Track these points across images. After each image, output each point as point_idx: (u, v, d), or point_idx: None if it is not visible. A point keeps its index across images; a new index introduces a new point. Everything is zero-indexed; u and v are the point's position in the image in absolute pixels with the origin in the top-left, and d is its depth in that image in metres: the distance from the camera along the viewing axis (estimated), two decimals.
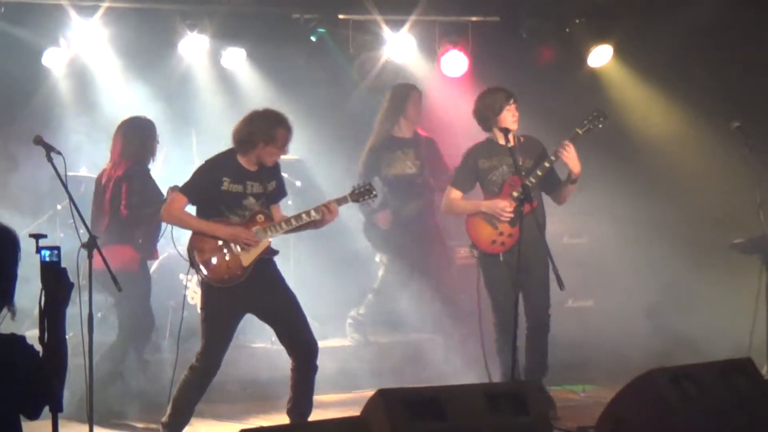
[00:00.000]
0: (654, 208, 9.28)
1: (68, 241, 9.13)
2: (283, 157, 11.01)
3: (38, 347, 4.44)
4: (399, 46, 11.77)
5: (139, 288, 9.12)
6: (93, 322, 7.31)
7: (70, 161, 8.11)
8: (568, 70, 12.12)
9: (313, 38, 11.59)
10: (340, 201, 8.04)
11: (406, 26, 11.62)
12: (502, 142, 8.71)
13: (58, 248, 4.58)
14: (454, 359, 9.91)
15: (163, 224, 8.70)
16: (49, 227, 10.54)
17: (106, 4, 10.56)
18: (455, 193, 9.02)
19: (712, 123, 10.76)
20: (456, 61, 11.93)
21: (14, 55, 10.65)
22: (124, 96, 11.46)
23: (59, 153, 7.54)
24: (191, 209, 7.96)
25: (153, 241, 9.32)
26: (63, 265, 4.57)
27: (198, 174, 7.88)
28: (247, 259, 7.75)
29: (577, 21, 11.83)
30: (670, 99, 11.54)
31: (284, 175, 11.18)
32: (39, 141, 7.58)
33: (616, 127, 9.73)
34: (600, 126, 8.78)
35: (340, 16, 11.60)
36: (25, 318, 8.17)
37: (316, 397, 7.97)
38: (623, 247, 10.96)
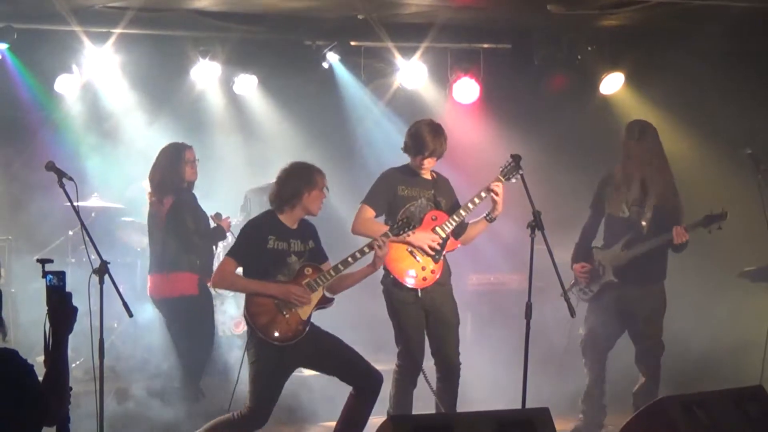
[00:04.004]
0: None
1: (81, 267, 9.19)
2: None
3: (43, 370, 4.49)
4: (411, 73, 11.80)
5: (200, 310, 9.19)
6: (104, 347, 7.31)
7: (82, 187, 8.14)
8: (580, 97, 12.12)
9: (325, 65, 11.62)
10: (384, 236, 7.87)
11: (418, 53, 11.64)
12: (425, 175, 8.46)
13: (63, 273, 4.63)
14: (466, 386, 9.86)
15: (215, 246, 9.38)
16: (61, 252, 10.59)
17: (118, 31, 10.60)
18: (370, 213, 8.45)
19: (723, 149, 10.75)
20: (468, 89, 11.95)
21: (27, 81, 10.70)
22: (136, 122, 11.51)
23: (71, 179, 7.56)
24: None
25: (210, 261, 9.49)
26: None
27: (243, 235, 7.84)
28: (305, 312, 7.67)
29: (589, 48, 11.84)
30: (682, 126, 11.52)
31: None
32: (51, 167, 7.60)
33: None
34: (520, 171, 8.23)
35: (353, 43, 11.63)
36: (34, 346, 8.22)
37: (325, 424, 7.95)
38: None
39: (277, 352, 7.60)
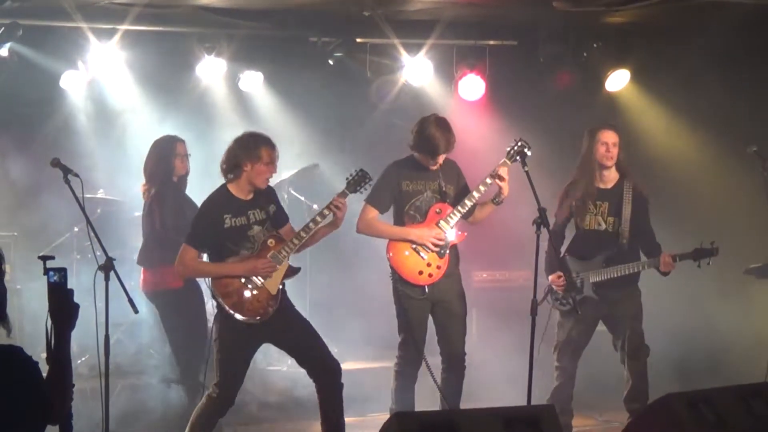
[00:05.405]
0: (669, 231, 9.22)
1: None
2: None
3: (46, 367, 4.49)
4: (416, 70, 11.79)
5: (187, 302, 9.15)
6: (109, 344, 7.32)
7: (88, 183, 8.13)
8: (586, 94, 12.12)
9: (330, 62, 11.60)
10: (341, 195, 7.89)
11: (424, 50, 11.63)
12: (429, 166, 8.35)
13: (64, 269, 4.62)
14: (472, 383, 9.85)
15: None
16: (66, 249, 10.58)
17: (123, 27, 10.60)
18: (373, 212, 8.43)
19: (729, 146, 10.74)
20: (473, 85, 11.94)
21: (33, 77, 10.70)
22: (141, 118, 11.51)
23: (76, 175, 7.58)
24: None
25: None
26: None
27: (198, 220, 7.79)
28: (274, 286, 7.69)
29: (595, 45, 11.83)
30: (687, 123, 11.53)
31: (301, 198, 11.30)
32: (56, 163, 7.62)
33: (632, 151, 9.67)
34: (527, 152, 8.26)
35: (358, 40, 11.61)
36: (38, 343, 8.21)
37: None
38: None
39: (242, 326, 7.62)
